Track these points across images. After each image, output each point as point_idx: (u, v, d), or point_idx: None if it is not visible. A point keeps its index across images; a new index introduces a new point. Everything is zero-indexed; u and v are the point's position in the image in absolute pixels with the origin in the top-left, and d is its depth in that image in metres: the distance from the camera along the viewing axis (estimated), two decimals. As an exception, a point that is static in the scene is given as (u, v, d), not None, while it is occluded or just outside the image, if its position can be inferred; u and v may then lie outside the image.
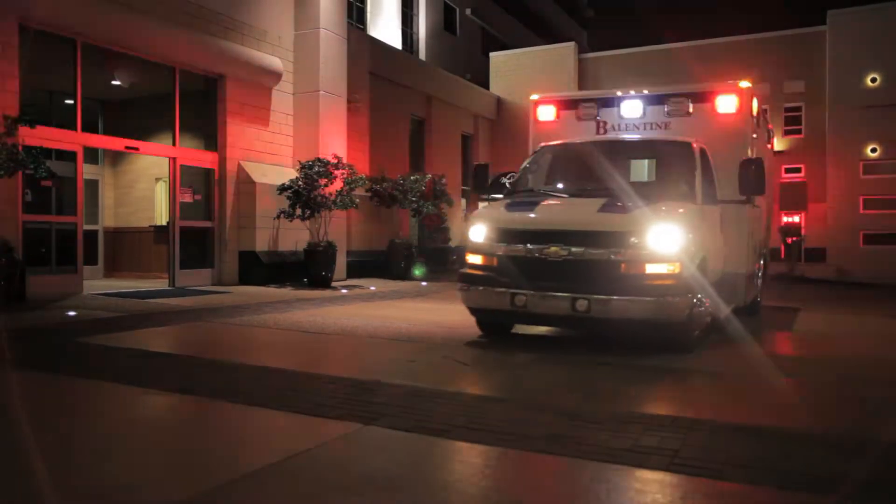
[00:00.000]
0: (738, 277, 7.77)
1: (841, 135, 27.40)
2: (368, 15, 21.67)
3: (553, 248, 6.03)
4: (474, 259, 6.59)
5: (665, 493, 2.95)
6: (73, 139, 10.76)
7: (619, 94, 8.16)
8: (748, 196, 7.27)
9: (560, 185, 7.44)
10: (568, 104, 8.47)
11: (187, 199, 12.72)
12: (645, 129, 7.95)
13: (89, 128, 12.05)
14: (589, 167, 7.18)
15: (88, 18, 10.50)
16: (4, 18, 9.47)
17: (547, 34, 33.50)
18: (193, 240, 12.76)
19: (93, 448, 3.50)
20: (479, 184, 8.12)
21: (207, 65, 12.65)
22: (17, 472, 3.15)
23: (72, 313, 8.39)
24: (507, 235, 6.37)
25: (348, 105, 15.39)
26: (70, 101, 10.90)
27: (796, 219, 30.18)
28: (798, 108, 29.98)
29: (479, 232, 6.55)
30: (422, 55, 24.24)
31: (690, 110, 7.73)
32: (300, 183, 12.72)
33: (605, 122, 8.14)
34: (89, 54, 10.94)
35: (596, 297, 5.85)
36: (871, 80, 27.02)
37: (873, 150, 27.49)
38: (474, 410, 4.20)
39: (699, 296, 6.21)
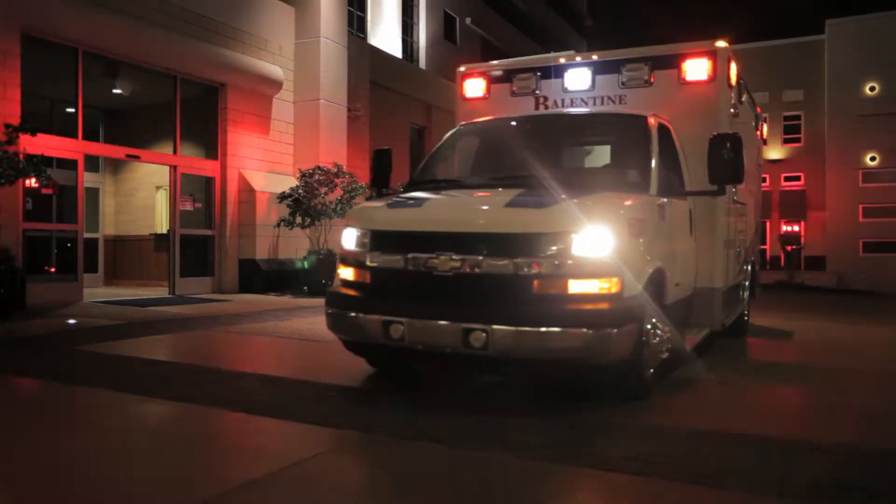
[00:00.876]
0: (714, 293, 6.21)
1: (840, 143, 27.46)
2: (369, 24, 21.74)
3: (441, 258, 4.40)
4: (345, 273, 5.05)
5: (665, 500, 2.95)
6: (74, 147, 10.79)
7: (562, 61, 6.82)
8: (720, 185, 5.37)
9: (474, 175, 5.99)
10: (501, 77, 6.97)
11: (188, 207, 12.75)
12: (595, 103, 6.50)
13: (90, 136, 12.08)
14: (512, 151, 5.81)
15: (90, 27, 10.55)
16: (7, 27, 9.53)
17: (546, 43, 33.64)
18: (194, 248, 12.78)
19: (89, 456, 3.49)
20: (378, 176, 6.06)
21: (208, 73, 12.70)
22: (11, 478, 3.14)
23: (72, 321, 8.40)
24: (385, 241, 4.76)
25: (348, 113, 15.44)
26: (71, 110, 10.94)
27: (796, 227, 30.16)
28: (797, 117, 30.09)
29: (350, 237, 4.99)
30: (422, 64, 24.31)
31: (651, 79, 6.28)
32: (300, 191, 12.75)
33: (545, 98, 6.72)
34: (91, 63, 10.99)
35: (498, 327, 4.18)
36: (870, 88, 27.11)
37: (872, 159, 27.54)
38: (475, 417, 4.19)
39: (654, 321, 4.74)
